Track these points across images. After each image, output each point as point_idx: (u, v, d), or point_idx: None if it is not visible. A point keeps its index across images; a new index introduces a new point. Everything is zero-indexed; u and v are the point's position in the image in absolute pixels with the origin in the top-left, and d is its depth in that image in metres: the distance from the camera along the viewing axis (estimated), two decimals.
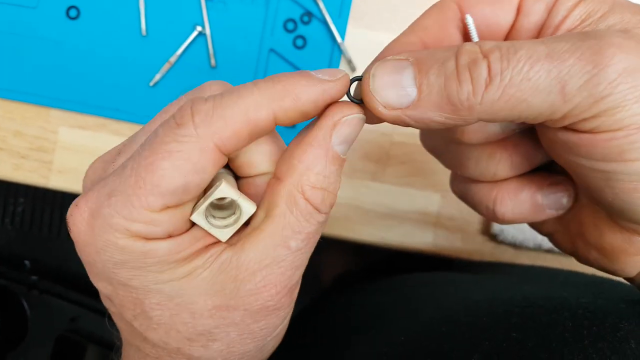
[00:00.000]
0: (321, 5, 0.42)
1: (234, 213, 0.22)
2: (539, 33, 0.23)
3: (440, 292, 0.34)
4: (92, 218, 0.21)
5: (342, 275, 0.70)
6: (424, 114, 0.21)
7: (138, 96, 0.43)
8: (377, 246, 0.44)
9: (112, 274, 0.22)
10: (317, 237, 0.23)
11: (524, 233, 0.41)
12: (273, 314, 0.23)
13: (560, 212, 0.26)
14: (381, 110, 0.21)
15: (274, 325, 0.23)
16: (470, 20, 0.23)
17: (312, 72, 0.22)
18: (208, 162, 0.20)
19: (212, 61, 0.43)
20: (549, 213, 0.26)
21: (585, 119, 0.19)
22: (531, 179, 0.26)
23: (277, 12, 0.43)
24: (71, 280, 0.61)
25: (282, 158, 0.23)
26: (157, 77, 0.43)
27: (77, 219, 0.21)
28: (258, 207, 0.23)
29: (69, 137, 0.44)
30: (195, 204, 0.22)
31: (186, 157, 0.20)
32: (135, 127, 0.43)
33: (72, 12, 0.43)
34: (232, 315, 0.22)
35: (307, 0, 0.42)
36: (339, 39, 0.42)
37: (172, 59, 0.43)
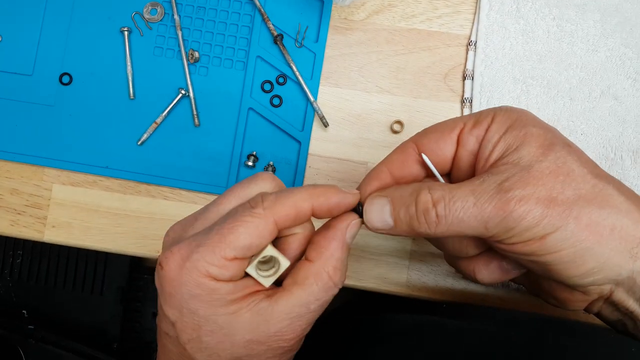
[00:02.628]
0: (294, 68, 0.45)
1: (273, 267, 0.31)
2: (476, 158, 0.32)
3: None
4: (182, 261, 0.29)
5: (338, 308, 0.72)
6: (399, 233, 0.32)
7: (127, 154, 0.46)
8: (355, 289, 0.46)
9: (185, 303, 0.29)
10: (327, 304, 0.31)
11: None
12: (286, 354, 0.31)
13: (523, 270, 0.34)
14: (373, 230, 0.32)
15: None
16: (425, 158, 0.33)
17: (339, 187, 0.32)
18: (267, 232, 0.29)
19: (196, 121, 0.46)
20: (514, 273, 0.34)
21: (503, 239, 0.29)
22: (496, 252, 0.33)
23: (254, 75, 0.46)
24: (66, 328, 0.63)
25: (311, 247, 0.32)
26: (145, 136, 0.46)
27: (170, 260, 0.29)
28: (290, 276, 0.31)
29: (62, 194, 0.47)
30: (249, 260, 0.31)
31: (255, 227, 0.29)
32: (125, 183, 0.46)
33: (65, 79, 0.47)
34: (258, 348, 0.30)
35: (282, 64, 0.46)
36: (311, 97, 0.45)
37: (159, 120, 0.46)
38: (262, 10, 0.46)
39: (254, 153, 0.46)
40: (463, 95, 0.45)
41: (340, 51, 0.46)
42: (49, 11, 0.47)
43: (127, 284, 0.63)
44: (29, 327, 0.59)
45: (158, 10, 0.47)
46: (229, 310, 0.29)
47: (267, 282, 0.31)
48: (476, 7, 0.46)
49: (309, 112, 0.46)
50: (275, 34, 0.46)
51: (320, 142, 0.46)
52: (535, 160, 0.29)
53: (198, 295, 0.29)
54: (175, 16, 0.46)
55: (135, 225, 0.46)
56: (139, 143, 0.46)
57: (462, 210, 0.29)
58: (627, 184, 0.43)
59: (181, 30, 0.46)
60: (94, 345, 0.60)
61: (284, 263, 0.31)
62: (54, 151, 0.46)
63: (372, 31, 0.46)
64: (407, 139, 0.40)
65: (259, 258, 0.30)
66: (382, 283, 0.45)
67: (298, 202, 0.30)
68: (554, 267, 0.29)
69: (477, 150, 0.32)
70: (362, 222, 0.32)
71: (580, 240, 0.28)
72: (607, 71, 0.45)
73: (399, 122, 0.46)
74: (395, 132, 0.46)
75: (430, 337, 0.38)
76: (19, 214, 0.47)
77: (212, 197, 0.46)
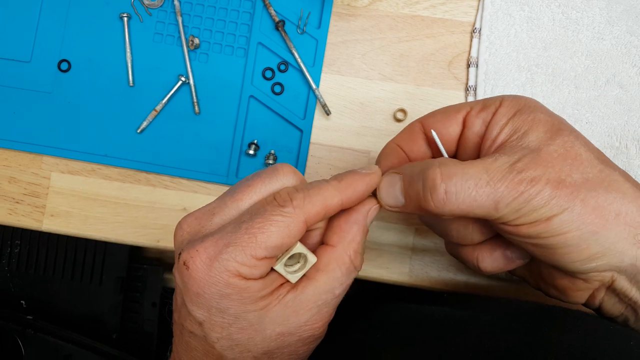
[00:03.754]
0: (296, 55, 0.45)
1: (299, 262, 0.31)
2: (481, 140, 0.32)
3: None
4: (210, 260, 0.29)
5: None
6: (411, 211, 0.31)
7: (126, 143, 0.45)
8: (359, 279, 0.46)
9: (215, 302, 0.29)
10: (348, 288, 0.32)
11: None
12: (315, 342, 0.32)
13: (527, 259, 0.34)
14: (387, 208, 0.32)
15: (312, 350, 0.32)
16: (434, 134, 0.33)
17: (358, 170, 0.32)
18: (297, 231, 0.29)
19: (196, 109, 0.45)
20: (518, 262, 0.34)
21: (510, 220, 0.29)
22: (501, 240, 0.33)
23: (255, 62, 0.46)
24: (65, 319, 0.62)
25: (331, 231, 0.32)
26: (144, 124, 0.45)
27: (197, 260, 0.29)
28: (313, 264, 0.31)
29: (61, 183, 0.46)
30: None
31: (285, 226, 0.29)
32: (124, 172, 0.46)
33: (64, 65, 0.46)
34: (290, 340, 0.31)
35: (284, 51, 0.45)
36: (313, 85, 0.45)
37: (158, 107, 0.45)
38: None
39: (255, 141, 0.45)
40: (467, 83, 0.45)
41: (342, 38, 0.46)
42: None
43: (127, 273, 0.62)
44: (28, 317, 0.59)
45: None
46: (259, 306, 0.30)
47: (295, 279, 0.31)
48: None
49: (311, 100, 0.45)
50: (277, 19, 0.45)
51: (322, 131, 0.45)
52: (544, 143, 0.29)
53: (228, 294, 0.29)
54: (175, 2, 0.45)
55: (134, 214, 0.46)
56: (138, 131, 0.45)
57: (475, 189, 0.28)
58: (631, 172, 0.43)
59: (181, 16, 0.46)
60: (92, 336, 0.60)
61: (312, 259, 0.31)
62: (52, 139, 0.46)
63: (375, 18, 0.45)
64: None
65: (289, 254, 0.30)
66: (385, 273, 0.45)
67: (327, 200, 0.30)
68: (558, 251, 0.29)
69: (484, 132, 0.32)
70: (381, 206, 0.33)
71: (585, 223, 0.28)
72: (612, 59, 0.44)
73: (402, 110, 0.45)
74: (398, 120, 0.45)
75: (432, 326, 0.38)
76: (17, 202, 0.46)
77: (212, 186, 0.46)
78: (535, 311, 0.41)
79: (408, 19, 0.45)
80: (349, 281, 0.32)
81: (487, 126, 0.31)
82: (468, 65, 0.45)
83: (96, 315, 0.63)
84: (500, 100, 0.31)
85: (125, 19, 0.46)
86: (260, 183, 0.31)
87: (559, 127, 0.30)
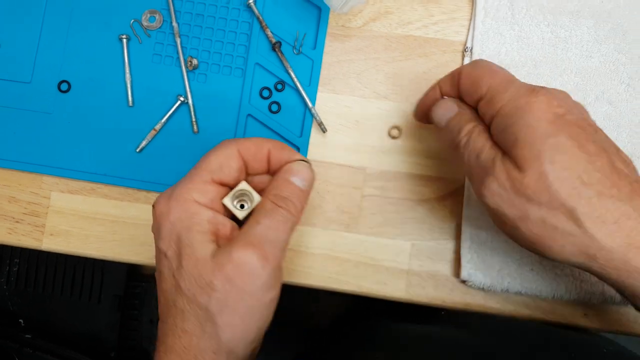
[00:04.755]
0: (292, 74, 0.46)
1: (250, 205, 0.35)
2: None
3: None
4: (168, 196, 0.34)
5: (338, 317, 0.72)
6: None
7: (125, 162, 0.46)
8: (355, 294, 0.46)
9: (174, 229, 0.33)
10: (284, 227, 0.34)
11: (492, 279, 0.44)
12: (262, 286, 0.32)
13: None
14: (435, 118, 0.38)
15: (264, 299, 0.33)
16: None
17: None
18: (233, 155, 0.35)
19: (195, 128, 0.46)
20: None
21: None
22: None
23: (253, 82, 0.46)
24: (63, 337, 0.62)
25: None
26: (143, 143, 0.46)
27: (160, 199, 0.34)
28: None
29: (61, 202, 0.47)
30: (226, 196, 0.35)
31: (221, 151, 0.35)
32: (123, 191, 0.46)
33: (64, 86, 0.47)
34: (232, 274, 0.32)
35: (280, 71, 0.46)
36: (309, 103, 0.46)
37: (157, 127, 0.46)
38: (260, 17, 0.46)
39: None
40: None
41: (337, 58, 0.47)
42: (47, 19, 0.47)
43: (124, 291, 0.62)
44: (26, 336, 0.59)
45: (156, 17, 0.47)
46: (205, 238, 0.32)
47: (241, 215, 0.35)
48: (471, 13, 0.46)
49: (307, 118, 0.46)
50: (274, 41, 0.46)
51: (318, 148, 0.46)
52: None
53: (183, 219, 0.32)
54: (174, 23, 0.46)
55: (132, 233, 0.46)
56: (137, 150, 0.46)
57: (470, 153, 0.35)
58: None
59: (180, 37, 0.47)
60: (91, 354, 0.60)
61: (256, 197, 0.35)
62: (52, 159, 0.46)
63: (369, 38, 0.47)
64: (404, 144, 0.46)
65: (234, 191, 0.35)
66: (382, 289, 0.45)
67: (258, 140, 0.36)
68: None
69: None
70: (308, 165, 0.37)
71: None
72: (601, 76, 0.45)
73: (397, 128, 0.46)
74: (393, 137, 0.46)
75: (428, 348, 0.39)
76: (17, 222, 0.47)
77: None
78: (532, 331, 0.41)
79: (401, 39, 0.46)
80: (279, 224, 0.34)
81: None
82: None
83: (94, 333, 0.63)
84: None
85: (125, 40, 0.46)
86: (211, 153, 0.36)
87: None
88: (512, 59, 0.45)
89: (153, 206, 0.34)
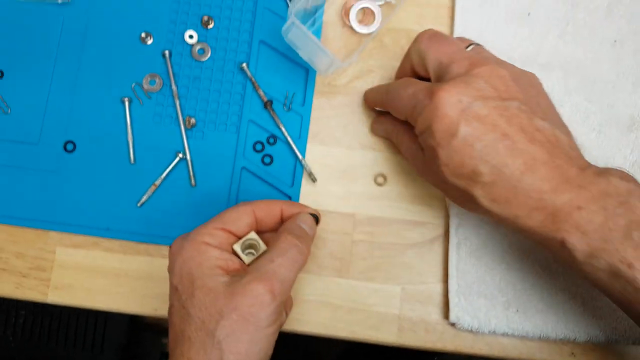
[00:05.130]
0: (283, 129, 0.49)
1: (257, 252, 0.39)
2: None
3: None
4: (184, 239, 0.38)
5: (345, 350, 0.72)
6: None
7: (127, 216, 0.49)
8: (348, 340, 0.48)
9: (185, 266, 0.37)
10: (295, 267, 0.38)
11: (479, 321, 0.45)
12: (266, 318, 0.36)
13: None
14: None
15: (266, 330, 0.35)
16: None
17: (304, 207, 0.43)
18: (246, 213, 0.40)
19: (192, 181, 0.49)
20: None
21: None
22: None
23: (247, 137, 0.50)
24: None
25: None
26: (144, 198, 0.49)
27: (176, 241, 0.39)
28: None
29: (65, 256, 0.49)
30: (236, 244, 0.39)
31: (236, 210, 0.40)
32: (125, 244, 0.49)
33: (69, 146, 0.50)
34: (241, 301, 0.35)
35: (272, 126, 0.49)
36: (300, 155, 0.49)
37: (157, 182, 0.49)
38: (252, 79, 0.50)
39: None
40: None
41: (325, 113, 0.50)
42: (54, 84, 0.51)
43: (127, 340, 0.64)
44: None
45: (157, 81, 0.50)
46: (216, 272, 0.36)
47: (247, 260, 0.39)
48: None
49: (298, 169, 0.49)
50: (265, 99, 0.49)
51: (309, 196, 0.49)
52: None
53: (194, 257, 0.36)
54: (173, 86, 0.50)
55: (134, 285, 0.48)
56: (138, 205, 0.48)
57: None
58: None
59: (178, 99, 0.50)
60: None
61: (263, 247, 0.39)
62: (57, 215, 0.49)
63: (354, 94, 0.50)
64: (390, 190, 0.49)
65: (244, 239, 0.39)
66: (374, 334, 0.47)
67: (270, 202, 0.41)
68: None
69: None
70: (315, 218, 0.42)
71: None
72: (572, 124, 0.48)
73: (382, 175, 0.49)
74: (379, 184, 0.49)
75: None
76: (23, 276, 0.49)
77: None
78: None
79: None
80: (289, 254, 0.37)
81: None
82: None
83: None
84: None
85: (127, 102, 0.50)
86: (227, 212, 0.41)
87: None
88: None
89: (169, 248, 0.39)
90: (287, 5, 0.51)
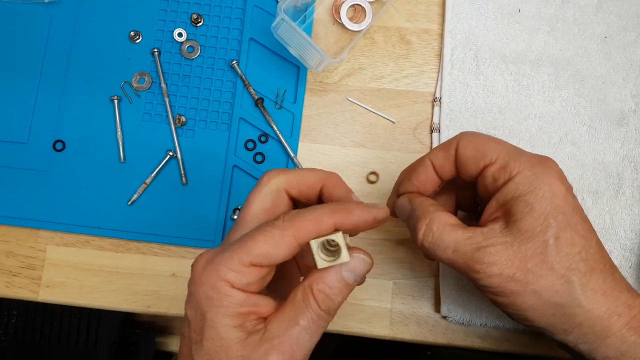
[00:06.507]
0: (275, 127, 0.49)
1: (335, 259, 0.31)
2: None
3: None
4: (207, 263, 0.31)
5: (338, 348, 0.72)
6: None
7: (117, 214, 0.48)
8: (341, 334, 0.48)
9: (201, 303, 0.30)
10: (322, 328, 0.31)
11: (470, 314, 0.46)
12: None
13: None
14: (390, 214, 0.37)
15: None
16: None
17: (363, 202, 0.33)
18: (284, 242, 0.30)
19: (184, 180, 0.49)
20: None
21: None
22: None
23: (238, 135, 0.49)
24: None
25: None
26: (135, 196, 0.48)
27: (199, 262, 0.32)
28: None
29: (56, 255, 0.49)
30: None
31: (271, 236, 0.30)
32: (116, 242, 0.48)
33: (58, 145, 0.50)
34: None
35: (263, 124, 0.49)
36: (291, 153, 0.48)
37: (148, 180, 0.49)
38: (243, 77, 0.50)
39: (240, 207, 0.48)
40: (431, 147, 0.48)
41: (316, 110, 0.50)
42: (42, 83, 0.51)
43: (120, 339, 0.64)
44: None
45: (146, 79, 0.50)
46: (232, 322, 0.30)
47: (320, 264, 0.31)
48: (439, 66, 0.50)
49: (290, 167, 0.49)
50: (256, 97, 0.49)
51: None
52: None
53: (211, 297, 0.30)
54: (162, 84, 0.50)
55: (126, 282, 0.48)
56: (129, 203, 0.48)
57: (443, 253, 0.34)
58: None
59: (168, 97, 0.50)
60: None
61: (345, 257, 0.30)
62: (48, 214, 0.49)
63: (345, 92, 0.50)
64: (382, 187, 0.48)
65: (326, 238, 0.30)
66: (367, 327, 0.47)
67: (319, 217, 0.31)
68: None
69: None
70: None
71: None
72: (563, 119, 0.48)
73: (374, 173, 0.49)
74: (371, 182, 0.49)
75: None
76: (14, 275, 0.49)
77: (200, 251, 0.48)
78: None
79: (375, 92, 0.50)
80: (315, 318, 0.31)
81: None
82: (431, 131, 0.49)
83: None
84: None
85: (116, 101, 0.50)
86: (252, 196, 0.34)
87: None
88: (479, 106, 0.48)
89: (195, 261, 0.32)
90: (277, 2, 0.51)
